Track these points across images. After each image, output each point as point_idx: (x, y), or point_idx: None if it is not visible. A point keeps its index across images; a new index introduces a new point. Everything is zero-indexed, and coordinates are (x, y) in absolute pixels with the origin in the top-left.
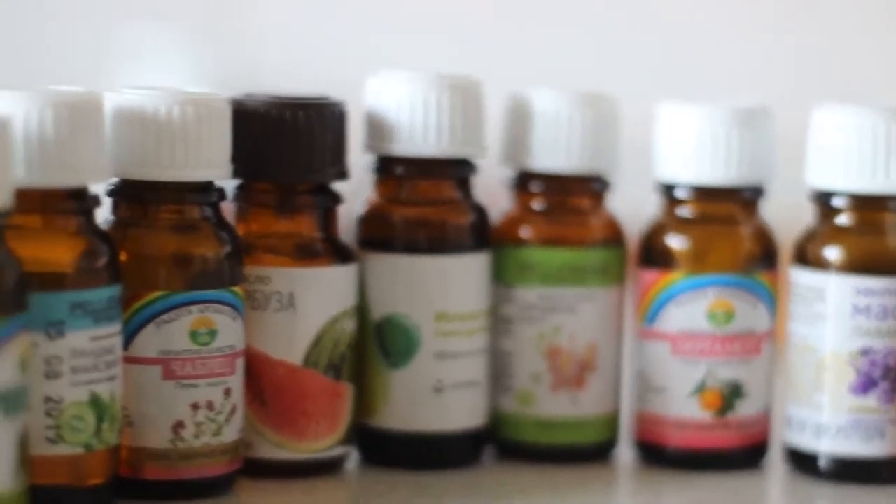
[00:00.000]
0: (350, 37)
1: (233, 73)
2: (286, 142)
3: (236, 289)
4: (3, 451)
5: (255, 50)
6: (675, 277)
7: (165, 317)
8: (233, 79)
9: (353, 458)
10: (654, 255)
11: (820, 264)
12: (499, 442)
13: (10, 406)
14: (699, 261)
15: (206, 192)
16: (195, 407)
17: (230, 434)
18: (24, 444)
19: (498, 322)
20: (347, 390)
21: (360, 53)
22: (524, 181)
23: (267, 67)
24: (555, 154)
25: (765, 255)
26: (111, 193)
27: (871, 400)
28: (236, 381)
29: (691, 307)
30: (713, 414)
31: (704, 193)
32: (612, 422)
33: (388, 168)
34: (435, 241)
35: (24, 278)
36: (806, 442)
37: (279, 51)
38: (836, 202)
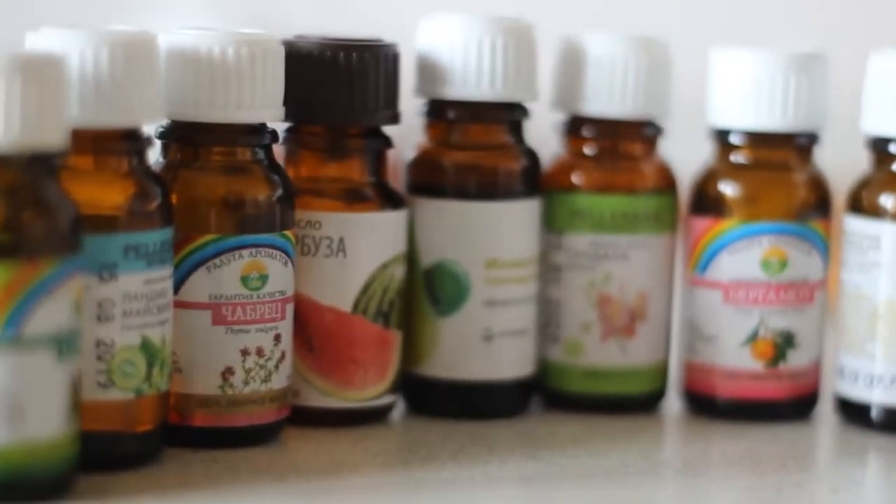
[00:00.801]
0: None
1: (261, 21)
2: (338, 84)
3: (288, 233)
4: (57, 395)
5: None
6: (729, 225)
7: (216, 261)
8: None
9: (399, 407)
10: (706, 202)
11: (875, 212)
12: (546, 391)
13: (63, 349)
14: (752, 207)
15: (258, 134)
16: (245, 353)
17: (279, 381)
18: (76, 388)
19: (547, 270)
20: (396, 338)
21: None
22: (576, 126)
23: (299, 13)
24: (607, 99)
25: (819, 202)
26: (162, 135)
27: None
28: (286, 327)
29: (745, 255)
30: (765, 364)
31: (758, 139)
32: (661, 371)
33: (439, 112)
34: (486, 186)
35: (78, 220)
36: (858, 392)
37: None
38: (893, 149)
